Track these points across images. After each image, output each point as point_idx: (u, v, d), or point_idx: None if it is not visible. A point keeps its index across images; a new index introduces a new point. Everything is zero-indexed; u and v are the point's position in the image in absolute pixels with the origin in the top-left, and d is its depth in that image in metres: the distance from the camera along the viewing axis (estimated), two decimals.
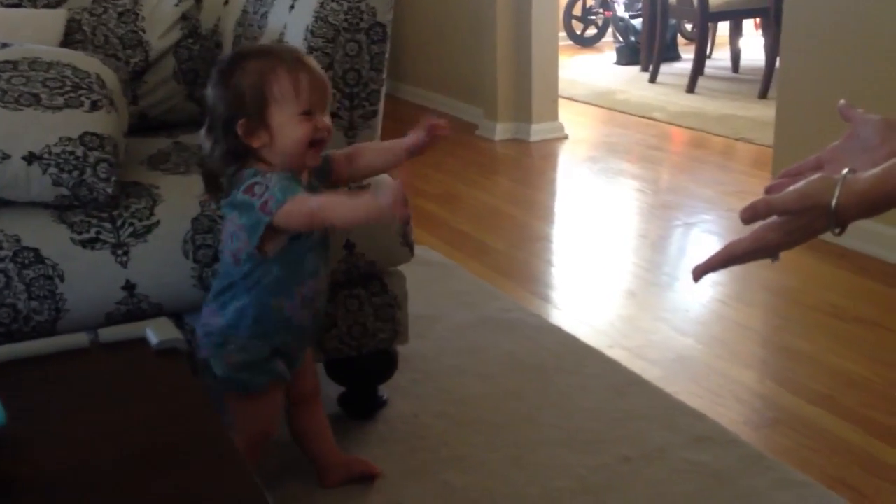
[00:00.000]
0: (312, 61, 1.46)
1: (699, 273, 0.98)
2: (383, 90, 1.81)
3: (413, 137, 1.53)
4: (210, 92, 1.45)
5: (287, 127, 1.39)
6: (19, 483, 0.78)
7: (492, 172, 3.95)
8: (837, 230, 0.92)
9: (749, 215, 0.94)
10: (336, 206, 1.38)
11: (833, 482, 1.69)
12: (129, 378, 0.99)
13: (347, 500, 1.64)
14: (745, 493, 1.64)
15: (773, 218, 0.95)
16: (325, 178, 1.53)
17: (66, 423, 0.91)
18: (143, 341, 1.05)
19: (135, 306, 1.57)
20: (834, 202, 0.90)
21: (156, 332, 1.05)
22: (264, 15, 1.93)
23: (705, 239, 3.04)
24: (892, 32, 2.65)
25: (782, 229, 0.94)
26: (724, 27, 6.35)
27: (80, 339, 1.05)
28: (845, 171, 0.92)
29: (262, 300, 1.44)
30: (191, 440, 0.85)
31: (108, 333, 1.07)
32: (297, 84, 1.39)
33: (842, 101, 1.07)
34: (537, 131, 4.40)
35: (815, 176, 0.93)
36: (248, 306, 1.44)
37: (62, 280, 1.52)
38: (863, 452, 1.79)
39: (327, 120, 1.44)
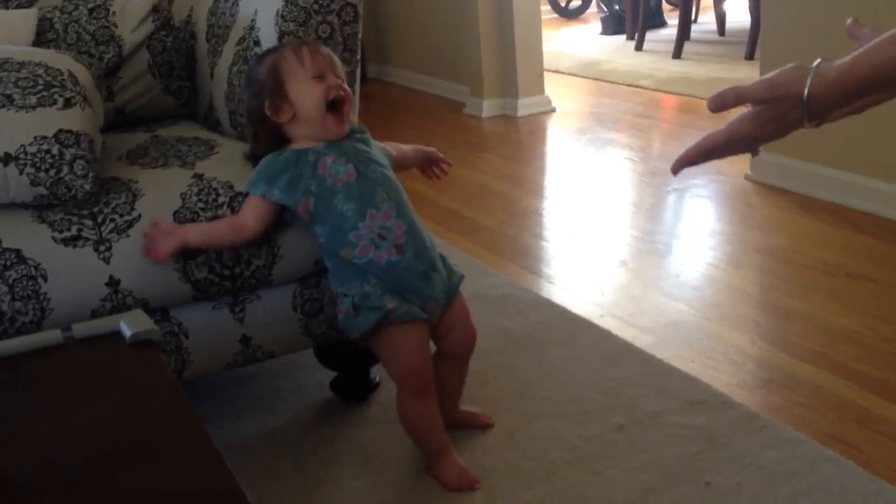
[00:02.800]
0: (316, 43, 1.65)
1: (678, 166, 0.97)
2: (358, 71, 1.81)
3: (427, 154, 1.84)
4: (244, 96, 1.68)
5: (303, 92, 1.58)
6: None
7: (480, 150, 3.94)
8: (813, 122, 0.89)
9: (717, 103, 0.92)
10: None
11: (827, 438, 1.69)
12: (103, 373, 0.99)
13: (339, 483, 1.64)
14: (738, 453, 1.64)
15: (749, 108, 0.92)
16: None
17: (37, 421, 0.90)
18: (118, 335, 1.05)
19: (120, 302, 1.57)
20: (806, 91, 0.87)
21: (129, 325, 1.04)
22: (235, 2, 1.91)
23: (697, 204, 3.03)
24: None
25: (756, 120, 0.92)
26: None
27: (54, 335, 1.04)
28: (818, 60, 0.88)
29: (332, 255, 1.60)
30: (164, 435, 0.84)
31: (83, 328, 1.07)
32: (302, 56, 1.58)
33: (850, 20, 1.02)
34: (524, 106, 4.38)
35: (790, 65, 0.90)
36: (331, 265, 1.62)
37: (45, 279, 1.52)
38: (857, 407, 1.79)
39: (340, 81, 1.59)
